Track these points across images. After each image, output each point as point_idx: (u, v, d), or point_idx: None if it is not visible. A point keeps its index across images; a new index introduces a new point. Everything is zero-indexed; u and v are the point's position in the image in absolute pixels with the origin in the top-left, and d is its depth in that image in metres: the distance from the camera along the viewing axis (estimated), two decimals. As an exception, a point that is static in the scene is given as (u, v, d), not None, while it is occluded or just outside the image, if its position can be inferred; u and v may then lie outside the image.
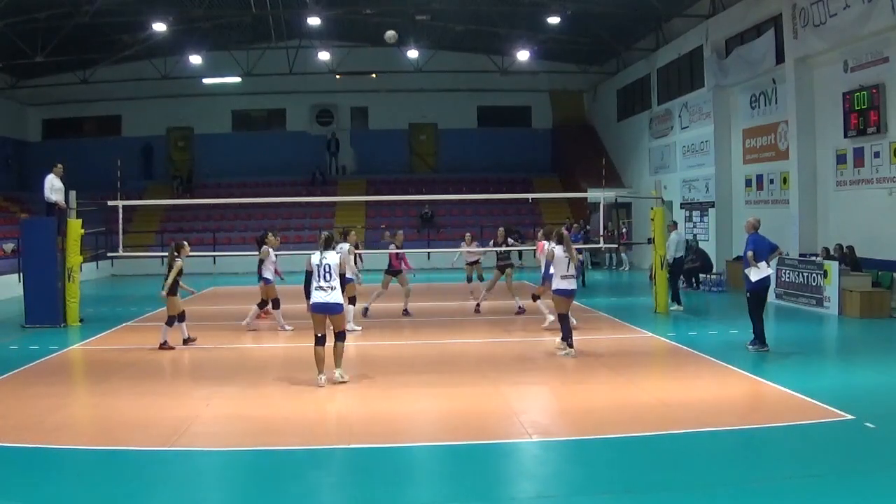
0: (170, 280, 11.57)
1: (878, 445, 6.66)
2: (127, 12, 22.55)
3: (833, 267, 14.41)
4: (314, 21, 23.78)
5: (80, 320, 14.03)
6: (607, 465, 6.28)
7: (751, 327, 10.97)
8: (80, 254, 14.32)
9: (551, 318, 12.69)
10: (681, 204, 23.71)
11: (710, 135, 21.79)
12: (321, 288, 8.88)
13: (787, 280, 15.89)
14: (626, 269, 26.18)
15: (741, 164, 20.67)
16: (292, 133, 32.85)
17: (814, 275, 14.93)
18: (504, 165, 32.07)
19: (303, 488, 5.90)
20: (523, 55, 26.52)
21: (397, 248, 14.56)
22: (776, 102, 18.78)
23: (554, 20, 23.32)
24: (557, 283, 10.85)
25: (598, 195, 17.96)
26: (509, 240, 15.57)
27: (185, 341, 11.76)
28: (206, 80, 29.54)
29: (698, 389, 8.90)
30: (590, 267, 26.57)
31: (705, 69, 21.76)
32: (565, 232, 11.32)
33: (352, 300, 13.11)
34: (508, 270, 15.00)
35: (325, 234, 9.43)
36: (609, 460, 6.41)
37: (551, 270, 11.12)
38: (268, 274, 13.51)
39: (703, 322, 14.28)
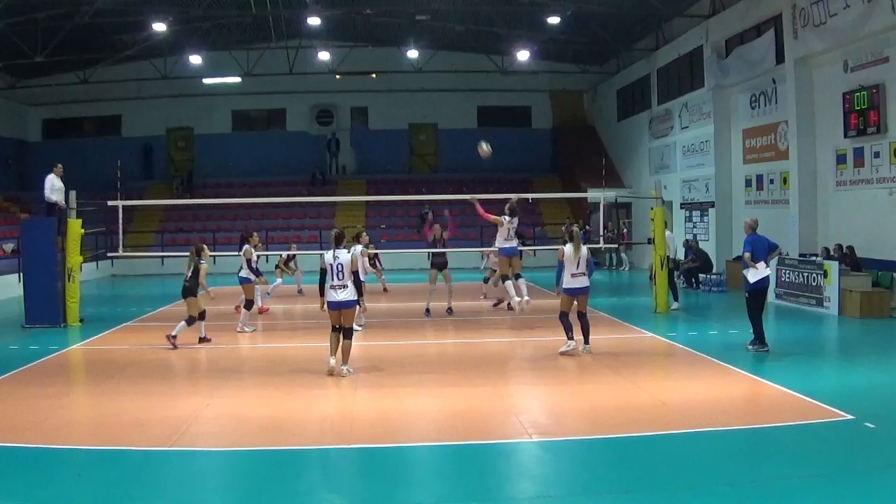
0: (204, 282, 11.67)
1: (878, 445, 6.66)
2: (127, 12, 22.56)
3: (833, 267, 14.41)
4: (314, 21, 23.79)
5: (80, 320, 14.03)
6: (607, 465, 6.28)
7: (751, 327, 10.97)
8: (80, 254, 14.32)
9: (517, 298, 12.88)
10: (681, 204, 23.72)
11: (710, 135, 21.80)
12: (334, 287, 9.34)
13: (787, 280, 15.89)
14: (626, 269, 26.19)
15: (741, 164, 20.67)
16: (292, 133, 32.85)
17: (814, 275, 14.93)
18: (504, 165, 32.02)
19: (303, 488, 5.90)
20: (523, 55, 26.52)
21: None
22: (776, 102, 18.78)
23: (554, 20, 23.33)
24: (567, 282, 10.78)
25: (598, 195, 17.96)
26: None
27: (201, 340, 11.81)
28: (206, 80, 29.54)
29: (698, 389, 8.90)
30: (589, 267, 26.59)
31: (705, 69, 21.76)
32: (576, 230, 11.27)
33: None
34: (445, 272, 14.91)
35: (335, 231, 9.72)
36: (609, 460, 6.41)
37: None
38: (247, 273, 13.46)
39: (703, 322, 14.28)
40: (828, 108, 16.44)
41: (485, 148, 14.54)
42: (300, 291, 18.54)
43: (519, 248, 14.33)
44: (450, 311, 14.80)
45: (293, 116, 32.92)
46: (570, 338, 10.77)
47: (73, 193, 14.28)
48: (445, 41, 28.32)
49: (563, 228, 11.55)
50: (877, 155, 15.05)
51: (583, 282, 10.80)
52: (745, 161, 20.47)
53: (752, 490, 5.62)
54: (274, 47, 27.65)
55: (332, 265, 9.36)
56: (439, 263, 14.87)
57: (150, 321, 15.07)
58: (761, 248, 10.90)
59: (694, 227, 22.92)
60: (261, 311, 15.75)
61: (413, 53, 28.34)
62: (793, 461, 6.33)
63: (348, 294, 9.36)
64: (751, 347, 10.85)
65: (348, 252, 9.49)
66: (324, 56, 28.11)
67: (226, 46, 28.04)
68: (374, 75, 30.08)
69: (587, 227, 25.75)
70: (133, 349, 11.79)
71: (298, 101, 32.09)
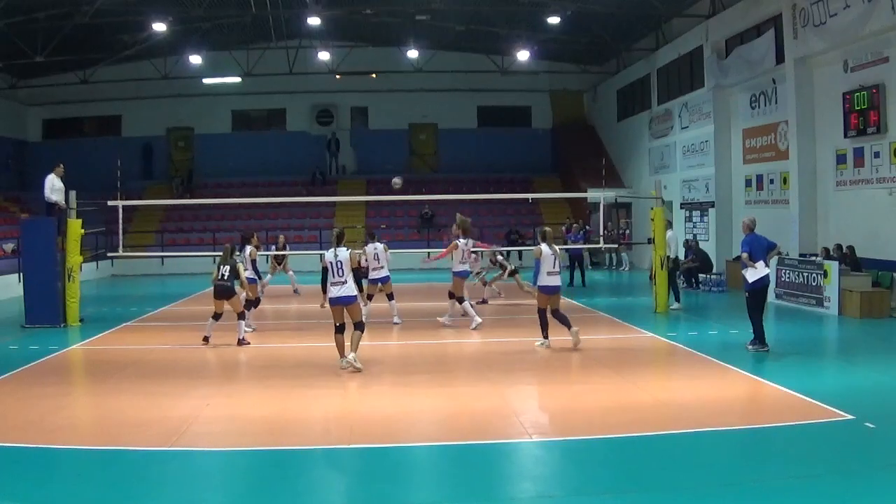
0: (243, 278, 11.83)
1: (878, 445, 6.66)
2: (127, 12, 22.53)
3: (833, 267, 14.41)
4: (314, 21, 23.77)
5: (80, 320, 14.03)
6: (607, 465, 6.28)
7: (751, 327, 10.97)
8: (80, 254, 14.31)
9: (478, 319, 13.13)
10: (681, 204, 23.72)
11: (710, 135, 21.80)
12: (335, 283, 9.69)
13: (787, 280, 15.89)
14: (626, 269, 26.18)
15: (741, 164, 20.67)
16: (292, 133, 32.85)
17: (814, 275, 14.93)
18: (504, 165, 32.06)
19: (303, 488, 5.90)
20: (523, 55, 26.51)
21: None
22: (776, 102, 18.78)
23: (554, 20, 23.32)
24: (543, 280, 11.16)
25: (598, 195, 17.96)
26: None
27: (205, 339, 11.81)
28: (206, 80, 29.53)
29: (698, 389, 8.90)
30: (590, 267, 26.62)
31: (705, 69, 21.76)
32: (548, 229, 11.58)
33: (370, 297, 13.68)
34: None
35: (336, 230, 10.14)
36: (609, 460, 6.41)
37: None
38: (248, 274, 13.43)
39: (703, 322, 14.27)
40: (828, 108, 16.44)
41: (398, 182, 15.86)
42: (296, 291, 18.49)
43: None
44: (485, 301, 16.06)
45: (293, 116, 32.92)
46: (546, 336, 11.27)
47: (73, 193, 14.27)
48: (445, 41, 28.30)
49: (537, 229, 11.73)
50: (877, 155, 15.05)
51: (558, 280, 11.32)
52: (745, 161, 20.47)
53: (752, 490, 5.62)
54: (274, 47, 27.66)
55: (332, 263, 9.70)
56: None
57: (150, 321, 15.07)
58: (759, 248, 10.91)
59: (694, 227, 22.92)
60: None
61: (413, 53, 28.34)
62: (793, 461, 6.33)
63: (348, 290, 9.69)
64: (751, 347, 10.85)
65: (347, 250, 9.85)
66: (324, 56, 28.10)
67: (226, 46, 28.03)
68: (374, 75, 30.08)
69: (587, 227, 25.77)
70: (133, 349, 11.79)
71: (298, 101, 32.09)
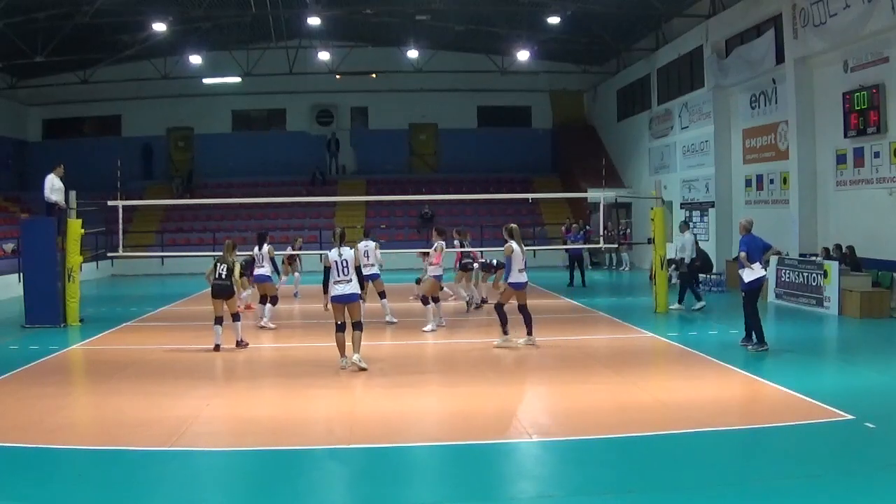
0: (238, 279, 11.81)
1: (878, 445, 6.66)
2: (127, 12, 22.54)
3: (833, 267, 14.41)
4: (314, 21, 23.77)
5: (80, 320, 14.03)
6: (607, 465, 6.28)
7: (750, 327, 11.00)
8: (80, 254, 14.31)
9: (431, 325, 13.01)
10: (681, 204, 23.71)
11: (710, 135, 21.80)
12: (339, 281, 9.76)
13: (787, 280, 15.89)
14: (626, 269, 26.18)
15: (741, 164, 20.67)
16: (292, 133, 32.85)
17: (814, 275, 14.93)
18: (504, 165, 32.06)
19: (303, 488, 5.90)
20: (523, 55, 26.50)
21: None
22: (776, 102, 18.78)
23: (554, 20, 23.32)
24: (515, 277, 11.28)
25: (598, 195, 17.96)
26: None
27: (217, 347, 11.55)
28: (206, 80, 29.52)
29: (698, 389, 8.90)
30: (590, 267, 26.60)
31: (705, 69, 21.76)
32: (514, 227, 11.60)
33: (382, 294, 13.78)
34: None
35: (339, 230, 10.24)
36: (609, 460, 6.41)
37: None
38: (265, 271, 13.48)
39: (703, 322, 14.26)
40: (828, 108, 16.44)
41: None
42: (296, 294, 18.42)
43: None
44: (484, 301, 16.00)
45: (293, 116, 32.92)
46: (507, 332, 11.41)
47: (73, 193, 14.27)
48: (445, 41, 28.30)
49: (504, 228, 11.70)
50: (877, 155, 15.05)
51: (526, 277, 11.47)
52: (745, 161, 20.47)
53: (752, 490, 5.62)
54: (274, 47, 27.65)
55: (336, 262, 9.79)
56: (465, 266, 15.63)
57: (150, 321, 15.07)
58: (756, 249, 11.03)
59: (694, 227, 22.90)
60: (246, 307, 15.75)
61: (413, 53, 28.33)
62: (793, 461, 6.33)
63: (352, 288, 9.79)
64: (750, 347, 10.87)
65: (350, 249, 10.00)
66: (324, 56, 28.10)
67: (226, 46, 28.02)
68: (374, 75, 30.07)
69: (587, 227, 25.76)
70: (133, 349, 11.79)
71: (298, 101, 32.09)
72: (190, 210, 30.07)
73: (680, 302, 15.49)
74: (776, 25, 18.23)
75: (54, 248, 13.89)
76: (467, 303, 15.72)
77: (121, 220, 15.25)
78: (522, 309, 11.48)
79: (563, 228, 24.95)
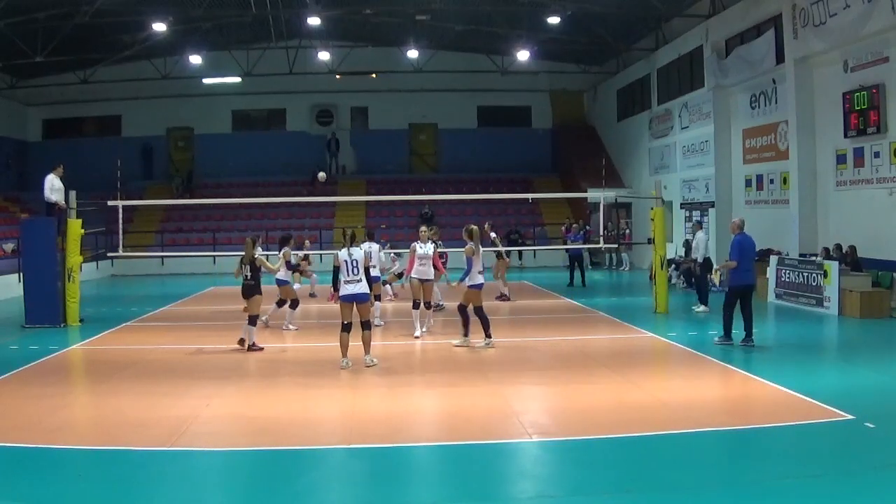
0: (277, 268, 11.93)
1: (878, 445, 6.66)
2: (127, 12, 22.54)
3: (833, 267, 14.41)
4: (314, 21, 23.77)
5: (80, 320, 14.02)
6: (607, 465, 6.28)
7: (753, 326, 11.04)
8: (80, 254, 14.31)
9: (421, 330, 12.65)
10: (681, 204, 23.71)
11: (710, 135, 21.79)
12: (349, 280, 9.91)
13: (786, 280, 15.89)
14: (627, 269, 26.18)
15: (741, 164, 20.67)
16: (292, 133, 32.85)
17: (814, 275, 14.93)
18: (504, 165, 32.07)
19: (303, 488, 5.90)
20: (523, 55, 26.50)
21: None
22: (776, 102, 18.78)
23: (554, 20, 23.31)
24: (475, 279, 11.33)
25: (598, 195, 17.96)
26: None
27: (240, 341, 11.54)
28: (206, 80, 29.53)
29: (698, 389, 8.91)
30: (590, 267, 26.61)
31: (705, 69, 21.76)
32: (474, 227, 11.68)
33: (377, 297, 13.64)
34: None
35: (350, 231, 10.41)
36: (609, 460, 6.41)
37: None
38: (283, 275, 13.38)
39: (703, 322, 14.26)
40: (828, 108, 16.43)
41: (322, 176, 15.89)
42: (312, 294, 18.37)
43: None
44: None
45: (293, 116, 32.92)
46: (467, 334, 11.46)
47: (73, 193, 14.27)
48: (445, 41, 28.31)
49: (464, 229, 11.73)
50: (877, 155, 15.05)
51: (483, 278, 11.53)
52: (745, 161, 20.47)
53: (752, 490, 5.62)
54: (274, 47, 27.65)
55: (346, 261, 9.92)
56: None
57: (150, 321, 15.07)
58: (750, 247, 11.37)
59: (688, 230, 22.92)
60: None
61: (413, 53, 28.34)
62: (793, 461, 6.33)
63: (362, 287, 9.93)
64: (717, 340, 11.21)
65: (360, 249, 10.21)
66: (324, 56, 28.10)
67: (226, 46, 28.02)
68: (374, 75, 30.07)
69: (587, 227, 25.75)
70: (133, 349, 11.79)
71: (298, 101, 32.09)
72: (190, 210, 30.07)
73: (704, 303, 15.07)
74: (776, 25, 18.23)
75: (54, 248, 13.89)
76: (438, 305, 15.52)
77: (121, 220, 15.26)
78: (479, 311, 11.45)
79: (563, 228, 24.94)
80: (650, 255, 16.71)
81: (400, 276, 15.62)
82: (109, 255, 21.27)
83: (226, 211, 29.59)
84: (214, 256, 25.21)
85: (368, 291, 10.08)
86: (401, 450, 6.73)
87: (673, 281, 16.47)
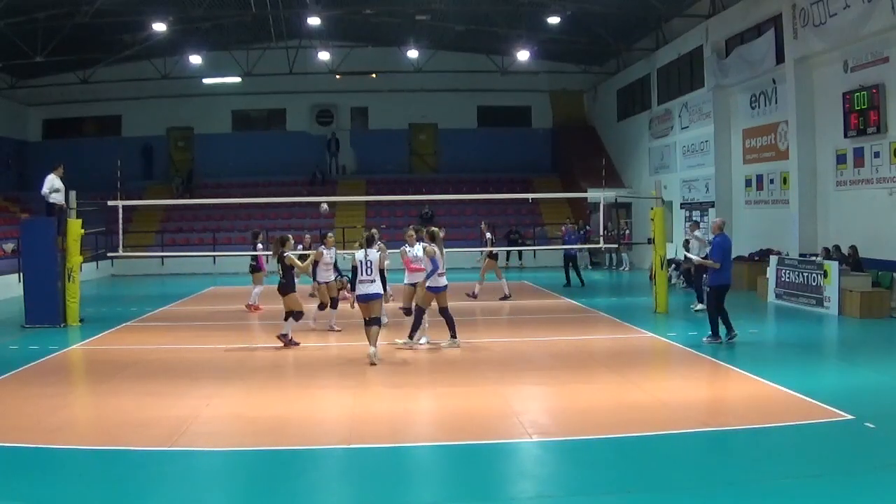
0: (306, 265, 11.84)
1: (878, 445, 6.66)
2: (127, 12, 22.53)
3: (833, 267, 14.40)
4: (314, 21, 23.77)
5: (80, 320, 14.02)
6: (607, 465, 6.28)
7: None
8: (80, 254, 14.31)
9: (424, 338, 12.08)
10: (681, 204, 23.71)
11: (710, 135, 21.79)
12: (363, 281, 10.43)
13: (786, 280, 15.89)
14: (626, 269, 26.17)
15: (741, 164, 20.67)
16: (292, 133, 32.84)
17: (814, 275, 14.93)
18: (504, 165, 32.06)
19: (303, 488, 5.91)
20: (523, 55, 26.49)
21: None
22: (776, 102, 18.78)
23: (554, 20, 23.32)
24: (437, 281, 11.34)
25: (598, 195, 17.96)
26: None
27: (288, 342, 11.56)
28: (206, 80, 29.52)
29: (698, 389, 8.91)
30: (590, 267, 26.61)
31: (705, 69, 21.76)
32: (436, 230, 11.73)
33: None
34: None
35: (366, 233, 10.92)
36: (609, 460, 6.42)
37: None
38: (321, 276, 13.27)
39: (703, 322, 14.23)
40: (828, 108, 16.43)
41: (325, 208, 16.37)
42: (313, 294, 18.29)
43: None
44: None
45: (293, 116, 32.91)
46: (412, 337, 11.45)
47: (73, 193, 14.27)
48: (445, 41, 28.30)
49: (419, 230, 11.67)
50: (877, 155, 15.05)
51: (446, 280, 11.55)
52: (745, 161, 20.46)
53: (751, 490, 5.63)
54: (274, 47, 27.64)
55: (361, 262, 10.42)
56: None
57: (150, 321, 15.07)
58: (729, 248, 11.66)
59: (688, 231, 22.89)
60: (254, 309, 15.74)
61: (413, 53, 28.34)
62: (793, 461, 6.34)
63: (375, 287, 10.49)
64: (705, 339, 11.28)
65: (377, 251, 10.63)
66: (324, 56, 28.10)
67: (226, 46, 28.01)
68: (374, 75, 30.07)
69: (587, 227, 25.72)
70: (133, 349, 11.79)
71: (298, 101, 32.08)
72: (190, 210, 30.07)
73: (701, 301, 15.00)
74: (776, 25, 18.22)
75: (54, 248, 13.89)
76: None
77: (121, 220, 15.26)
78: (444, 312, 11.49)
79: (564, 228, 24.89)
80: (650, 255, 16.70)
81: None
82: (109, 255, 21.27)
83: (226, 211, 29.59)
84: (214, 256, 25.22)
85: (381, 291, 10.64)
86: (401, 450, 6.74)
87: (673, 281, 16.47)
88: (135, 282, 24.06)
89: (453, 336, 11.49)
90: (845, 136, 15.74)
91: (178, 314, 16.25)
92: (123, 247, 16.09)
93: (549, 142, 33.40)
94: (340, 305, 13.41)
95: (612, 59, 29.06)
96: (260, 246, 16.07)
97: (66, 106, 31.07)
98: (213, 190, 30.55)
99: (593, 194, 21.45)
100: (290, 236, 12.25)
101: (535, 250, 26.69)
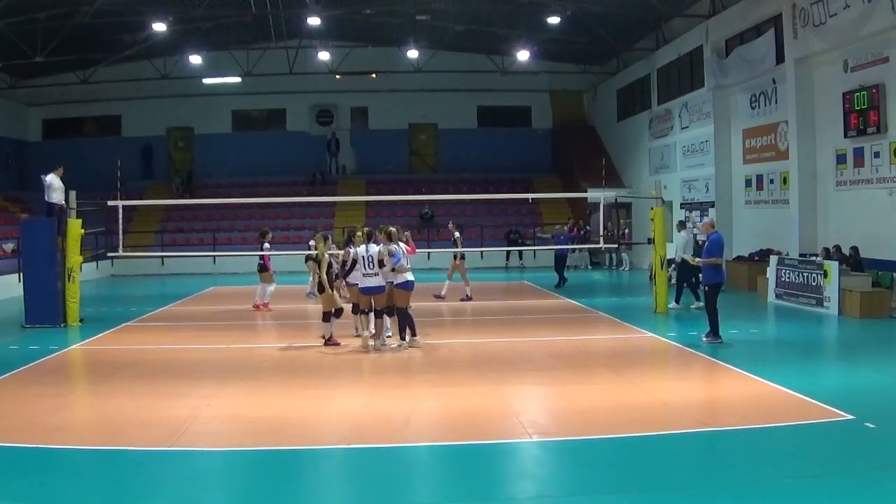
0: (322, 276, 11.72)
1: (878, 445, 6.66)
2: (127, 12, 22.53)
3: (833, 267, 14.40)
4: (314, 21, 23.77)
5: (80, 320, 14.02)
6: (607, 465, 6.28)
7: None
8: (80, 254, 14.30)
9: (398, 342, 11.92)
10: (681, 204, 23.71)
11: (710, 135, 21.79)
12: (367, 274, 11.00)
13: (786, 280, 15.88)
14: (626, 269, 26.17)
15: (741, 164, 20.67)
16: (292, 133, 32.84)
17: (814, 275, 14.93)
18: (504, 165, 32.06)
19: (303, 488, 5.91)
20: (523, 55, 26.49)
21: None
22: (776, 102, 18.78)
23: (554, 20, 23.32)
24: (405, 277, 11.27)
25: (598, 195, 17.96)
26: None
27: (327, 342, 11.53)
28: (206, 80, 29.53)
29: (698, 389, 8.91)
30: (590, 267, 26.62)
31: (705, 69, 21.76)
32: (392, 229, 11.61)
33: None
34: None
35: (366, 229, 11.43)
36: (609, 460, 6.42)
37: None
38: (353, 278, 13.00)
39: (703, 322, 14.24)
40: (828, 108, 16.43)
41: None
42: (310, 294, 18.27)
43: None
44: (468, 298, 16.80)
45: (293, 116, 32.91)
46: (414, 334, 11.39)
47: (73, 193, 14.27)
48: (445, 41, 28.31)
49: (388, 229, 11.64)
50: (877, 155, 15.05)
51: (412, 276, 11.47)
52: (745, 161, 20.46)
53: (751, 490, 5.62)
54: (274, 47, 27.65)
55: (364, 257, 10.95)
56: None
57: (150, 321, 15.07)
58: (721, 247, 11.63)
59: (694, 227, 22.89)
60: (263, 308, 15.74)
61: (413, 53, 28.34)
62: (793, 461, 6.33)
63: (379, 280, 11.02)
64: (705, 339, 11.29)
65: (376, 246, 11.01)
66: (324, 56, 28.10)
67: (226, 46, 28.02)
68: (374, 75, 30.07)
69: (587, 227, 25.69)
70: (133, 349, 11.79)
71: (298, 101, 32.08)
72: (190, 210, 30.07)
73: (677, 301, 15.50)
74: (776, 25, 18.22)
75: (54, 248, 13.89)
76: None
77: (121, 220, 15.25)
78: (402, 311, 11.41)
79: (566, 228, 24.88)
80: (650, 255, 16.70)
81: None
82: (109, 255, 21.26)
83: (226, 211, 29.59)
84: (214, 256, 25.22)
85: (384, 284, 11.06)
86: (401, 450, 6.73)
87: (673, 281, 16.46)
88: (135, 282, 24.06)
89: (413, 335, 11.36)
90: (845, 136, 15.74)
91: (178, 314, 16.25)
92: (123, 247, 16.08)
93: (549, 142, 33.40)
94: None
95: (612, 59, 29.06)
96: (267, 245, 16.00)
97: (66, 106, 31.08)
98: (213, 190, 30.55)
99: (593, 194, 21.44)
100: (329, 235, 12.30)
101: (535, 250, 26.69)
